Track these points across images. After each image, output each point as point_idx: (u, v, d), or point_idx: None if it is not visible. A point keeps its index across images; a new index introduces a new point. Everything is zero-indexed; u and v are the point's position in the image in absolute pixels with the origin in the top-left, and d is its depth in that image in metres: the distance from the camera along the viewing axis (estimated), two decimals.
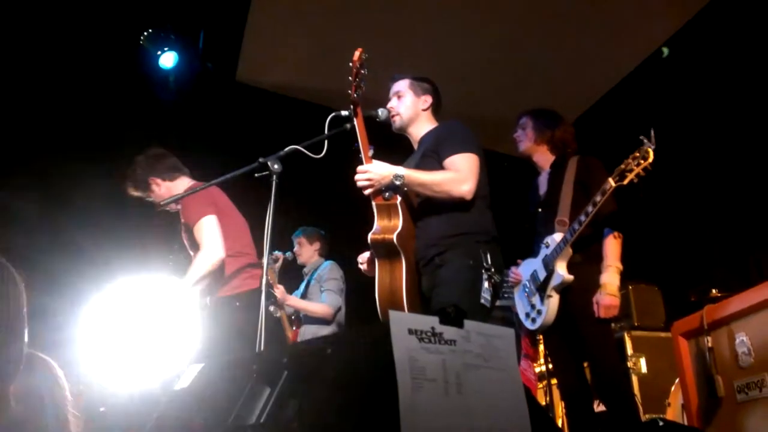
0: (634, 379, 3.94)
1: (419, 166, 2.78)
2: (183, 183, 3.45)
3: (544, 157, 3.37)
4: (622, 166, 2.82)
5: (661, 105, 5.25)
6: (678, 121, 5.24)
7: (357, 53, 2.66)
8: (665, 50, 5.14)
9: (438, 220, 2.73)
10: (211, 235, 3.13)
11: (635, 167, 2.77)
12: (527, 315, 3.22)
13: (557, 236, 3.08)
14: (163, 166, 3.44)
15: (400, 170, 2.65)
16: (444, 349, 1.14)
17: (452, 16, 5.01)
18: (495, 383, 1.19)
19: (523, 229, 3.48)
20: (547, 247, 3.12)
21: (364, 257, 2.87)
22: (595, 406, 3.30)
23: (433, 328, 1.17)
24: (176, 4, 5.01)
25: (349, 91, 2.69)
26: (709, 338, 2.35)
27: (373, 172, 2.63)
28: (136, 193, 3.46)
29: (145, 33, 5.00)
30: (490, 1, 4.89)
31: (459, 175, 2.68)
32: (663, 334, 4.09)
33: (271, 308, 3.25)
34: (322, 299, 4.43)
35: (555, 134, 3.32)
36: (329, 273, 4.55)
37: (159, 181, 3.42)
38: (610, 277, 2.98)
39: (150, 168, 3.43)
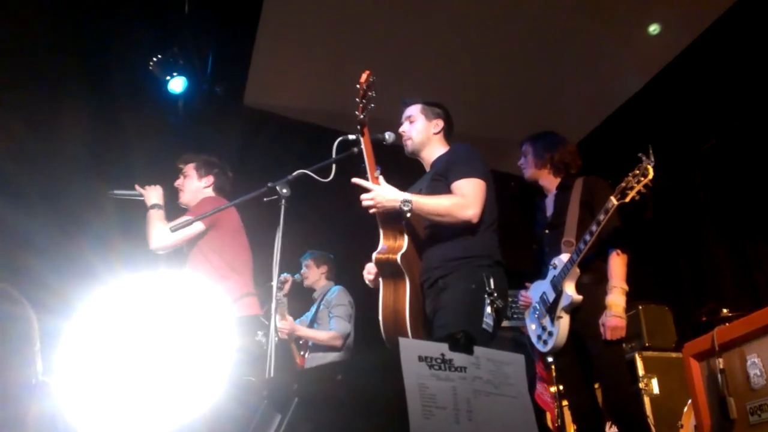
0: (647, 400, 3.89)
1: (429, 189, 2.80)
2: (206, 193, 3.52)
3: (548, 180, 3.38)
4: (623, 184, 2.84)
5: (669, 123, 5.26)
6: (686, 139, 5.25)
7: (364, 75, 2.69)
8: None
9: (443, 243, 2.73)
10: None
11: (636, 184, 2.79)
12: (539, 337, 3.20)
13: (564, 257, 3.09)
14: (216, 176, 3.53)
15: (408, 196, 2.66)
16: (454, 376, 1.14)
17: (459, 38, 5.05)
18: (506, 410, 1.18)
19: (531, 250, 3.49)
20: (555, 268, 3.12)
21: (371, 268, 2.84)
22: (607, 428, 3.27)
23: (443, 355, 1.17)
24: (184, 29, 5.09)
25: (357, 113, 2.73)
26: (721, 360, 2.33)
27: (376, 192, 2.65)
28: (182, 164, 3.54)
29: (155, 59, 5.07)
30: (496, 23, 4.93)
31: (464, 200, 2.69)
32: (674, 355, 4.04)
33: (263, 339, 3.23)
34: (330, 326, 4.41)
35: (555, 157, 3.33)
36: (338, 299, 4.53)
37: (202, 175, 3.51)
38: (616, 298, 2.97)
39: (212, 165, 3.55)
